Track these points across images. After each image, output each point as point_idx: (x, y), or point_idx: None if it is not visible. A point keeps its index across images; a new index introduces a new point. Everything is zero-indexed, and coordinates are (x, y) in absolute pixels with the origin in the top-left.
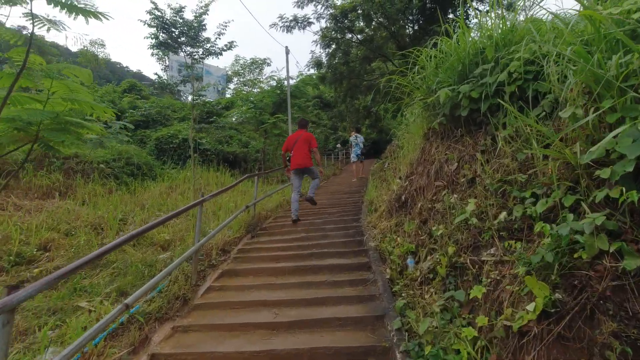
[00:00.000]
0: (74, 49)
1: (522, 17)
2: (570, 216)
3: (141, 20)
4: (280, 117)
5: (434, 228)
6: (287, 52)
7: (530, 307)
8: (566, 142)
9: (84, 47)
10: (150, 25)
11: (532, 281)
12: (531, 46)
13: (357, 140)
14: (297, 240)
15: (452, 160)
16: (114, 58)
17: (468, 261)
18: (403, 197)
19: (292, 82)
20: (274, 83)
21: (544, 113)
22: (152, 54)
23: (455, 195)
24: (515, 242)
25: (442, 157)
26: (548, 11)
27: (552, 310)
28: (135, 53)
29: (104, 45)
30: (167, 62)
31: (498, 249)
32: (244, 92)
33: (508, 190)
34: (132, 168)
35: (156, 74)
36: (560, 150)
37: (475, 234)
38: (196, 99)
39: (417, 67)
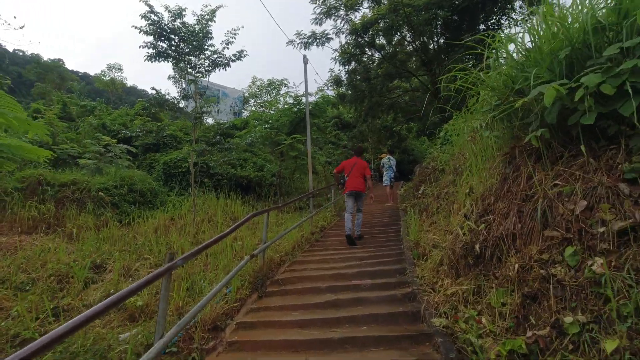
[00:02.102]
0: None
1: None
2: None
3: (136, 27)
4: (298, 138)
5: (567, 320)
6: (306, 61)
7: None
8: None
9: (102, 71)
10: (147, 33)
11: None
12: None
13: (390, 162)
14: (320, 307)
15: (573, 195)
16: (141, 86)
17: None
18: (477, 247)
19: (311, 98)
20: (290, 100)
21: None
22: (169, 77)
23: (599, 260)
24: None
25: (550, 191)
26: None
27: None
28: (163, 82)
29: (122, 70)
30: (183, 84)
31: None
32: (258, 112)
33: None
34: (135, 195)
35: (153, 88)
36: None
37: None
38: (199, 117)
39: (490, 59)
